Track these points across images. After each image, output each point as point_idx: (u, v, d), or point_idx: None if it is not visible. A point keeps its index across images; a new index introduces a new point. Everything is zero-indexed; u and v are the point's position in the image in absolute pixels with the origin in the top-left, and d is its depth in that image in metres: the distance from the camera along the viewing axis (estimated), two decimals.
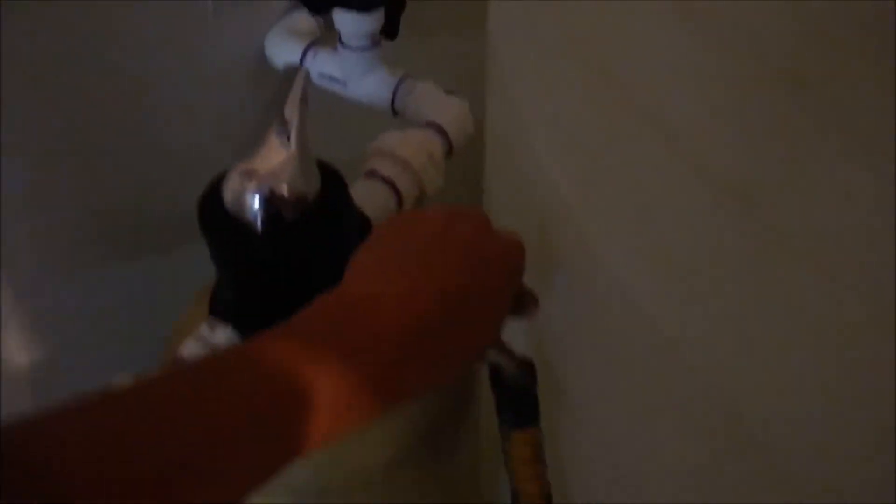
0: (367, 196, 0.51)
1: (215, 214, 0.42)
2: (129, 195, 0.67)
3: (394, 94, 0.60)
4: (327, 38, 0.65)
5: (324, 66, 0.62)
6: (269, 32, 0.66)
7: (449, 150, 0.57)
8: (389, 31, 0.60)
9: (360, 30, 0.57)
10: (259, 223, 0.41)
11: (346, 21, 0.57)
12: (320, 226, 0.42)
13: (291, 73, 0.64)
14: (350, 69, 0.60)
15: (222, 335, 0.43)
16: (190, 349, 0.44)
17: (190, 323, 0.50)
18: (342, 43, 0.59)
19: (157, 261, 0.71)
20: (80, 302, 0.69)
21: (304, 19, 0.66)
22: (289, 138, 0.41)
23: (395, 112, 0.62)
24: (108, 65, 0.60)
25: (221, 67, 0.66)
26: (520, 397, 0.42)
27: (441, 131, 0.57)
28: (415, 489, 0.53)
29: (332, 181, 0.44)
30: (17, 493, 0.21)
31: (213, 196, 0.42)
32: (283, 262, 0.43)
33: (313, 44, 0.64)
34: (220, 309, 0.47)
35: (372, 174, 0.53)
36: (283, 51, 0.65)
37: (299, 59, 0.64)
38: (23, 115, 0.58)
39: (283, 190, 0.41)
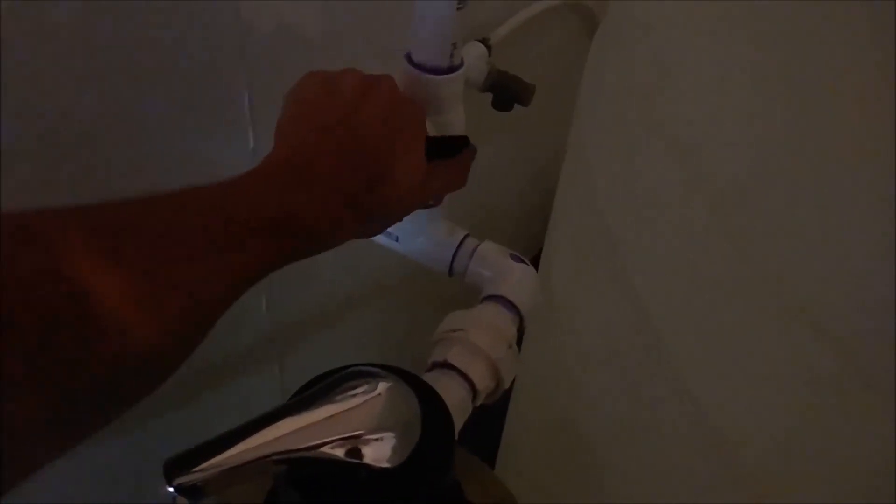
0: (441, 392, 0.45)
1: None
2: None
3: (453, 255, 0.54)
4: None
5: None
6: None
7: (520, 326, 0.52)
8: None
9: None
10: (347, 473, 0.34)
11: None
12: (417, 476, 0.36)
13: None
14: (406, 225, 0.54)
15: None
16: None
17: None
18: None
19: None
20: None
21: None
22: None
23: (451, 273, 0.56)
24: None
25: None
26: None
27: (512, 307, 0.51)
28: None
29: (435, 419, 0.37)
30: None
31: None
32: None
33: None
34: None
35: (445, 365, 0.46)
36: None
37: None
38: None
39: (385, 441, 0.34)
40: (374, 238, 0.57)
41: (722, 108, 0.35)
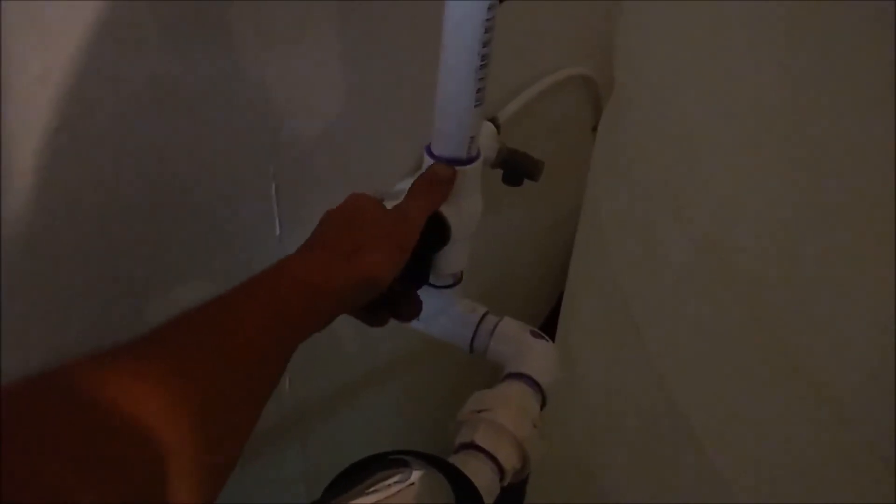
0: (470, 476, 0.45)
1: None
2: None
3: (474, 333, 0.56)
4: None
5: None
6: None
7: (543, 403, 0.53)
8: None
9: (448, 270, 0.53)
10: None
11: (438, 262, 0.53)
12: None
13: None
14: (428, 307, 0.56)
15: None
16: None
17: None
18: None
19: None
20: None
21: None
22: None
23: (472, 351, 0.57)
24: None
25: None
26: None
27: (535, 384, 0.52)
28: None
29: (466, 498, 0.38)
30: None
31: None
32: None
33: None
34: None
35: (472, 447, 0.47)
36: None
37: None
38: None
39: None
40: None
41: (744, 187, 0.36)
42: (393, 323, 0.51)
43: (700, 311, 0.40)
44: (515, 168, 0.75)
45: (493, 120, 0.78)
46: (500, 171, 0.77)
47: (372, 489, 0.35)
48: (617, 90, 0.74)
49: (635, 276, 0.48)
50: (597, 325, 0.53)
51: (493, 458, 0.47)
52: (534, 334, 0.55)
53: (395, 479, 0.36)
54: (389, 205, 0.48)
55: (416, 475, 0.36)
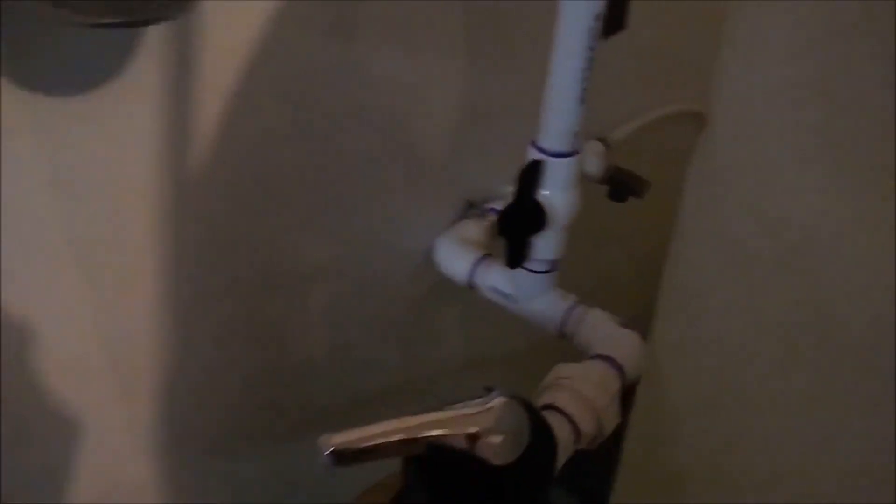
0: None
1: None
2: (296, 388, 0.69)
3: (565, 318, 0.61)
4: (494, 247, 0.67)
5: (497, 281, 0.64)
6: (438, 238, 0.69)
7: (623, 387, 0.56)
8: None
9: (545, 256, 0.59)
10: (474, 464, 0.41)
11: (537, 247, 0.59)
12: (527, 473, 0.41)
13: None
14: (524, 289, 0.62)
15: None
16: None
17: None
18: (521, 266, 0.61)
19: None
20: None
21: (474, 229, 0.69)
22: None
23: (562, 335, 0.62)
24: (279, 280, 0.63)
25: (385, 267, 0.69)
26: None
27: (618, 367, 0.56)
28: None
29: (541, 432, 0.43)
30: None
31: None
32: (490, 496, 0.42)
33: (485, 257, 0.66)
34: None
35: (552, 408, 0.52)
36: (452, 259, 0.67)
37: (469, 270, 0.66)
38: None
39: (498, 440, 0.40)
40: (495, 299, 0.65)
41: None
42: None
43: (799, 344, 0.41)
44: (621, 185, 0.80)
45: (603, 140, 0.84)
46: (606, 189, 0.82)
47: (460, 405, 0.41)
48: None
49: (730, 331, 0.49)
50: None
51: (571, 420, 0.51)
52: (622, 324, 0.60)
53: (482, 399, 0.41)
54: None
55: (499, 400, 0.41)
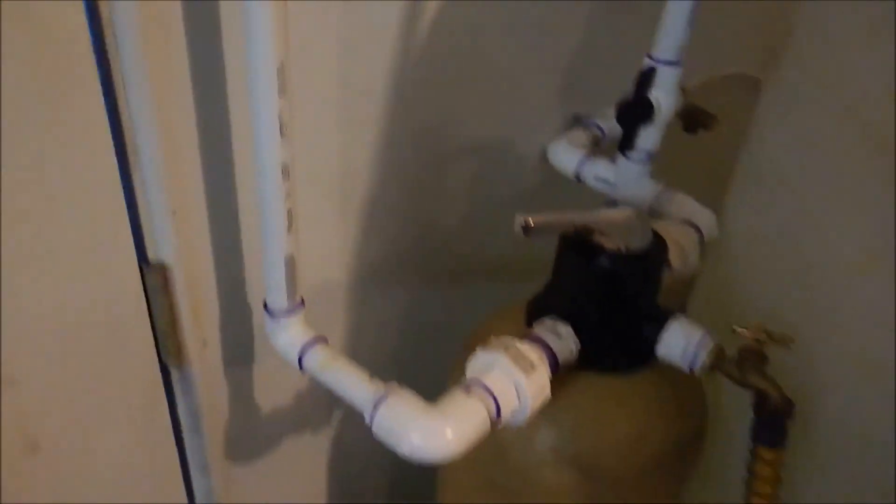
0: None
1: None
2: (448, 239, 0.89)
3: (656, 198, 0.79)
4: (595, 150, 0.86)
5: (601, 171, 0.82)
6: (552, 142, 0.88)
7: (700, 241, 0.75)
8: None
9: (645, 146, 0.77)
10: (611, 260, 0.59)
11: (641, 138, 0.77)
12: (649, 265, 0.60)
13: None
14: (626, 176, 0.80)
15: (565, 330, 0.60)
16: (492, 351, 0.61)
17: (488, 332, 0.68)
18: (625, 156, 0.79)
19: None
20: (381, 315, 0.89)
21: (581, 135, 0.88)
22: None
23: (651, 212, 0.80)
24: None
25: (514, 159, 0.88)
26: (777, 421, 0.57)
27: (697, 230, 0.74)
28: (662, 487, 0.66)
29: (656, 238, 0.62)
30: None
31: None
32: (621, 286, 0.61)
33: (590, 155, 0.84)
34: (550, 313, 0.64)
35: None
36: (564, 156, 0.86)
37: (577, 164, 0.84)
38: None
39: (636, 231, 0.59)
40: (598, 187, 0.83)
41: None
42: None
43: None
44: (693, 117, 0.98)
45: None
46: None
47: (605, 210, 0.59)
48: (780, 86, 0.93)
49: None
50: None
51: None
52: (703, 205, 0.78)
53: (622, 208, 0.60)
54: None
55: (632, 211, 0.60)
